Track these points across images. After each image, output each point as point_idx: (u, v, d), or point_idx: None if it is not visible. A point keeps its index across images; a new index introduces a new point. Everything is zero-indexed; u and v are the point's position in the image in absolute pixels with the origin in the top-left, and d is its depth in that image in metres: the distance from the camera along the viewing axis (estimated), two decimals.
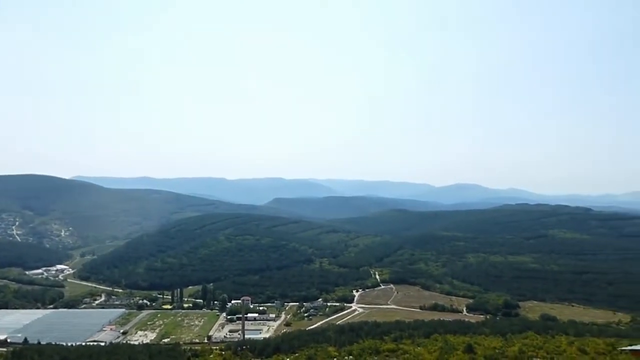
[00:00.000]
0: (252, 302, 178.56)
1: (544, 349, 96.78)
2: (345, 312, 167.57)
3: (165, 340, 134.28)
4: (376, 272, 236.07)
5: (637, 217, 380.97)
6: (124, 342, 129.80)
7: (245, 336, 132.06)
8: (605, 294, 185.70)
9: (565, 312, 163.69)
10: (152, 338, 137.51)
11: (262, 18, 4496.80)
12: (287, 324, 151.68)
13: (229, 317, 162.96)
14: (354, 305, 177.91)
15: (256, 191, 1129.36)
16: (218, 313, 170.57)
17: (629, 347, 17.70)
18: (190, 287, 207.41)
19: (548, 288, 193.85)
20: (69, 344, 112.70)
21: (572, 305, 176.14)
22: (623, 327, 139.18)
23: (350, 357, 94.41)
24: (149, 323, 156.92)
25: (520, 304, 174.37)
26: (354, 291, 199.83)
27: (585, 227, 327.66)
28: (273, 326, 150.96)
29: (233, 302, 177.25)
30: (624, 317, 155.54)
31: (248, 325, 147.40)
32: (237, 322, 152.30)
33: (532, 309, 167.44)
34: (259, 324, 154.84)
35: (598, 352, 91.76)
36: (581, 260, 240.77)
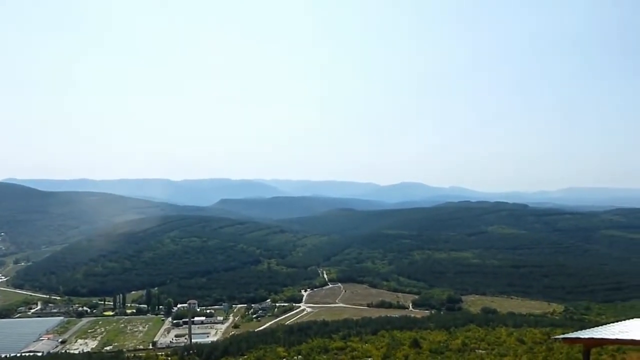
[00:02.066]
0: (199, 306, 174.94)
1: (485, 341, 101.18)
2: (294, 312, 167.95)
3: (108, 348, 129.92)
4: (324, 272, 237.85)
5: (569, 212, 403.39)
6: (63, 351, 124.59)
7: (192, 340, 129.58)
8: (541, 286, 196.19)
9: (504, 304, 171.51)
10: (93, 346, 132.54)
11: (207, 14, 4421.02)
12: (236, 326, 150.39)
13: (174, 321, 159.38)
14: (302, 305, 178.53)
15: (202, 192, 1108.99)
16: (163, 318, 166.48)
17: (561, 336, 18.82)
18: (133, 292, 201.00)
19: (488, 282, 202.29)
20: (3, 355, 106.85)
21: (511, 298, 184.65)
22: (557, 317, 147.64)
23: (300, 356, 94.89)
24: (89, 331, 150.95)
25: (463, 298, 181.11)
26: (303, 291, 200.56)
27: (522, 223, 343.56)
28: (221, 329, 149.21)
29: (179, 306, 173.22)
30: (557, 307, 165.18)
31: (195, 329, 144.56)
32: (184, 326, 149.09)
33: (474, 303, 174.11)
34: (207, 327, 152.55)
35: (535, 341, 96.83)
36: (519, 254, 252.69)
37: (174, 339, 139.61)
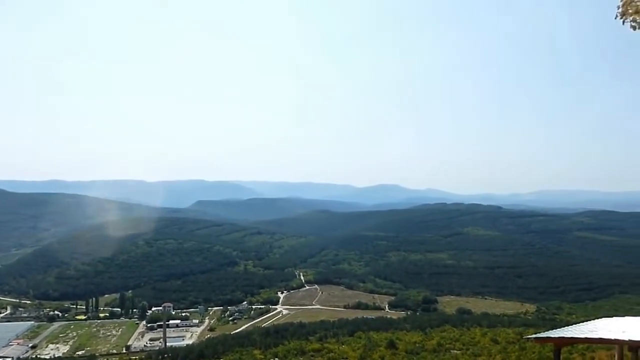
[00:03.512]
0: (174, 309, 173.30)
1: (460, 341, 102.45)
2: (271, 314, 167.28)
3: (80, 352, 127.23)
4: (301, 273, 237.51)
5: (541, 214, 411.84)
6: (34, 356, 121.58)
7: (167, 344, 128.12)
8: (514, 286, 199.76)
9: (479, 305, 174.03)
10: (65, 351, 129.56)
11: (184, 12, 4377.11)
12: (211, 329, 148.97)
13: (149, 325, 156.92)
14: (279, 307, 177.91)
15: (178, 193, 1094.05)
16: (137, 321, 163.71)
17: (533, 336, 19.26)
18: (107, 295, 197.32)
19: (463, 283, 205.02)
20: None
21: (485, 298, 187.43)
22: (530, 317, 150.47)
23: (276, 359, 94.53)
24: (61, 335, 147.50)
25: (439, 299, 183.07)
26: (279, 293, 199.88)
27: (496, 225, 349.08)
28: (196, 332, 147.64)
29: (154, 309, 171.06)
30: (530, 308, 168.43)
31: (170, 332, 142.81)
32: (158, 329, 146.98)
33: (449, 304, 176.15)
34: (182, 330, 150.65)
35: (508, 341, 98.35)
36: (493, 255, 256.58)
37: (148, 342, 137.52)
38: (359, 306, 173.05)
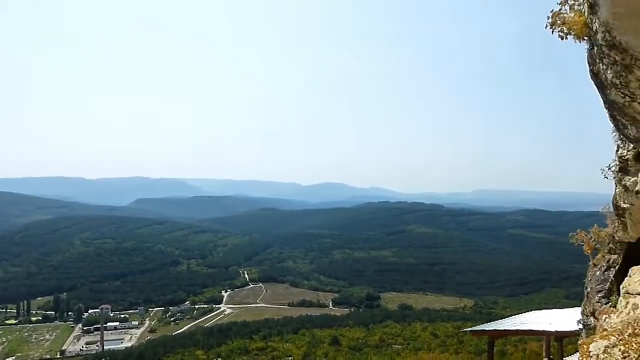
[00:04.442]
0: (112, 310, 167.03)
1: (401, 336, 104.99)
2: (214, 313, 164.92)
3: (10, 358, 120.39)
4: (245, 272, 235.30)
5: (480, 212, 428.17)
6: None
7: (105, 347, 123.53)
8: (454, 282, 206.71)
9: (420, 300, 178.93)
10: None
11: (124, 7, 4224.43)
12: (152, 331, 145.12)
13: (85, 328, 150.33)
14: (223, 306, 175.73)
15: (119, 191, 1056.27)
16: (73, 325, 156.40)
17: (469, 329, 20.13)
18: (39, 298, 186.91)
19: (405, 279, 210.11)
20: None
21: (426, 294, 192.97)
22: (468, 312, 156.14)
23: (219, 358, 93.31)
24: None
25: (381, 295, 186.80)
26: (223, 292, 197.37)
27: (438, 223, 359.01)
28: (136, 334, 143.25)
29: (90, 311, 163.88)
30: (468, 302, 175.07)
31: (108, 335, 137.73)
32: (95, 332, 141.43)
33: (391, 300, 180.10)
34: (121, 332, 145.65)
35: (447, 335, 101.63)
36: (434, 252, 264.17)
37: (85, 346, 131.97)
38: (303, 304, 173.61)
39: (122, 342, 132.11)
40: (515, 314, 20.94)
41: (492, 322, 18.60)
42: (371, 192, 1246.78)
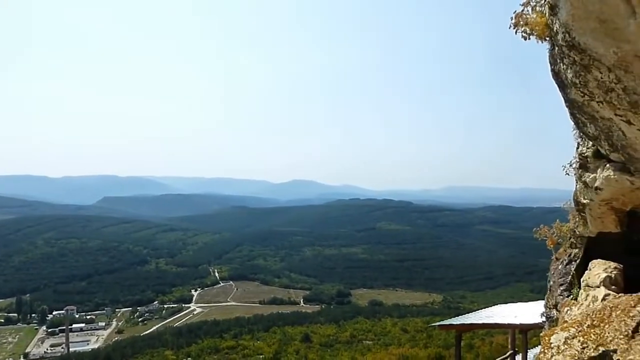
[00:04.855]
0: (77, 312, 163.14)
1: (372, 332, 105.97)
2: (184, 313, 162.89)
3: None
4: (215, 270, 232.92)
5: (449, 209, 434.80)
6: None
7: (71, 349, 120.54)
8: (423, 278, 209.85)
9: (390, 296, 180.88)
10: None
11: (97, 6, 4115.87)
12: (119, 332, 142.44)
13: (50, 330, 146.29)
14: (192, 305, 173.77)
15: (85, 190, 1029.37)
16: (37, 327, 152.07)
17: (437, 324, 20.51)
18: (1, 300, 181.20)
19: (376, 276, 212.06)
20: None
21: (396, 290, 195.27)
22: (437, 306, 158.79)
23: (189, 358, 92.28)
24: None
25: (352, 292, 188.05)
26: (193, 291, 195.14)
27: (407, 219, 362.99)
28: (103, 335, 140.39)
29: (55, 313, 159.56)
30: (437, 298, 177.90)
31: (73, 337, 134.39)
32: (60, 334, 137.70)
33: (362, 296, 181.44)
34: (87, 334, 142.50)
35: (417, 330, 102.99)
36: (403, 249, 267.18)
37: (49, 349, 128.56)
38: (274, 301, 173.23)
39: (88, 344, 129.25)
40: (482, 308, 21.38)
41: (460, 317, 18.95)
42: (342, 189, 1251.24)
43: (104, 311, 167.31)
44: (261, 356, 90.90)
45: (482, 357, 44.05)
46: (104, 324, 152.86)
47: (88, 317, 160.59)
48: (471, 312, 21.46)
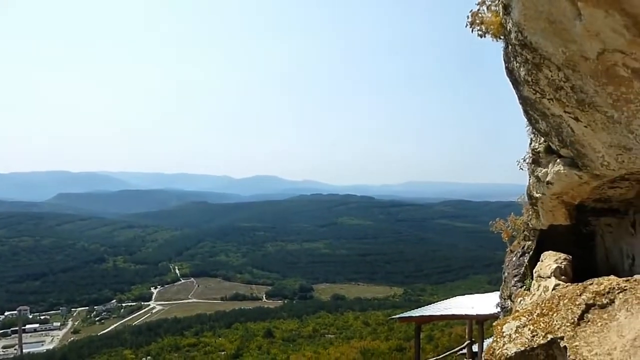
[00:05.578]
0: (31, 312, 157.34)
1: (334, 326, 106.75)
2: (143, 311, 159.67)
3: None
4: (176, 267, 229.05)
5: (409, 204, 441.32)
6: None
7: (24, 350, 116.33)
8: (384, 272, 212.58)
9: (352, 290, 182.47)
10: None
11: None
12: (75, 331, 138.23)
13: (2, 331, 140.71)
14: (152, 303, 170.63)
15: (36, 186, 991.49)
16: None
17: (397, 316, 20.90)
18: None
19: (338, 270, 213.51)
20: None
21: (358, 284, 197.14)
22: (397, 300, 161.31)
23: (149, 357, 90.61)
24: None
25: (314, 286, 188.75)
26: (153, 288, 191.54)
27: (368, 214, 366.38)
28: (58, 336, 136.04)
29: (7, 313, 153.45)
30: (398, 291, 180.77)
31: (27, 337, 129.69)
32: (13, 335, 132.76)
33: (324, 291, 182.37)
34: (41, 335, 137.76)
35: (378, 323, 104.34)
36: (365, 243, 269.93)
37: (1, 350, 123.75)
38: (236, 297, 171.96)
39: (42, 345, 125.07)
40: (441, 300, 21.86)
41: (419, 309, 19.34)
42: (304, 185, 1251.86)
43: (59, 311, 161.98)
44: (223, 353, 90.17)
45: (442, 348, 45.06)
46: (59, 324, 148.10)
47: (42, 317, 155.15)
48: (430, 304, 21.92)
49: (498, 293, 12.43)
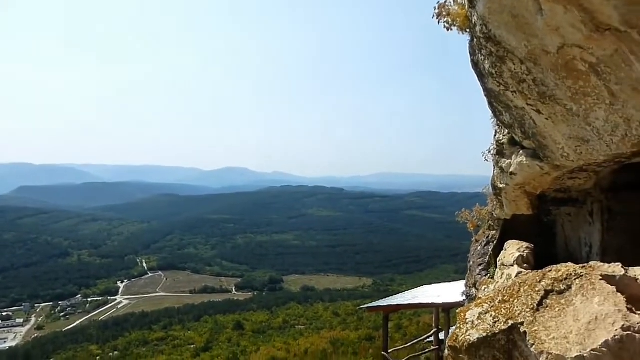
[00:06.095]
0: None
1: (304, 317, 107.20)
2: (109, 305, 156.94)
3: None
4: (143, 260, 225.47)
5: (379, 195, 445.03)
6: None
7: None
8: (354, 262, 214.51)
9: (322, 281, 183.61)
10: None
11: None
12: (39, 328, 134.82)
13: None
14: (119, 298, 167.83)
15: None
16: None
17: (365, 306, 21.17)
18: None
19: (307, 262, 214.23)
20: None
21: (328, 275, 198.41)
22: (367, 290, 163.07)
23: (116, 352, 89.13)
24: None
25: (284, 278, 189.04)
26: (119, 282, 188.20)
27: (338, 206, 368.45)
28: (21, 332, 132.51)
29: None
30: (367, 281, 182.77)
31: None
32: None
33: (294, 282, 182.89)
34: (3, 331, 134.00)
35: (348, 313, 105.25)
36: (335, 235, 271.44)
37: None
38: (205, 290, 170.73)
39: (5, 342, 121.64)
40: (409, 290, 22.19)
41: (387, 298, 19.61)
42: (273, 176, 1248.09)
43: (22, 307, 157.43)
44: (192, 346, 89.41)
45: (410, 336, 45.78)
46: (22, 320, 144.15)
47: (4, 313, 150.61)
48: (399, 293, 22.26)
49: (464, 282, 12.71)
